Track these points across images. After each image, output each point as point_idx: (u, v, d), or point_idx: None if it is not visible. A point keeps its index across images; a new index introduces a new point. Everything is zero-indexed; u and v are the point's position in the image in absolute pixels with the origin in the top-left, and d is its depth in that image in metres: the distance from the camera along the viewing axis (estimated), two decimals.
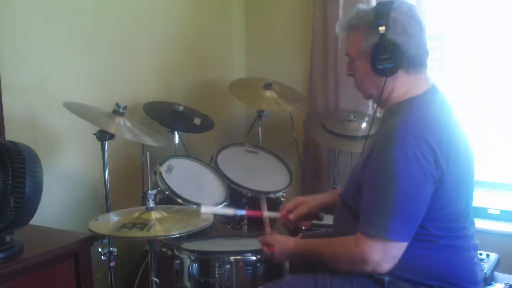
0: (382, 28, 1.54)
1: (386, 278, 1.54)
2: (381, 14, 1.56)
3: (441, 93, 1.66)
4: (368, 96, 1.72)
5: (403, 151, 1.45)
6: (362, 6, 1.65)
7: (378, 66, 1.57)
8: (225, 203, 2.37)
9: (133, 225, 1.73)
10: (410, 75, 1.61)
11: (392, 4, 1.59)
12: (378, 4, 1.63)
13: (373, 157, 1.53)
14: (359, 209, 1.56)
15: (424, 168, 1.45)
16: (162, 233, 1.70)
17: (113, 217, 1.88)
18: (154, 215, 1.80)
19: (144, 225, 1.73)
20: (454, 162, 1.50)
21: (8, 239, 1.82)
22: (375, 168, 1.52)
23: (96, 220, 1.84)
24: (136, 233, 1.69)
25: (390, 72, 1.57)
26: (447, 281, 1.56)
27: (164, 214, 1.83)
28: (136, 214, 1.82)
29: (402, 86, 1.62)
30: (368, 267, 1.51)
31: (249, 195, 2.46)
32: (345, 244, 1.57)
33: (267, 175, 2.65)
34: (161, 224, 1.75)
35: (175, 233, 1.70)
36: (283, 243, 1.74)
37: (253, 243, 2.04)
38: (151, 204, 1.82)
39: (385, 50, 1.55)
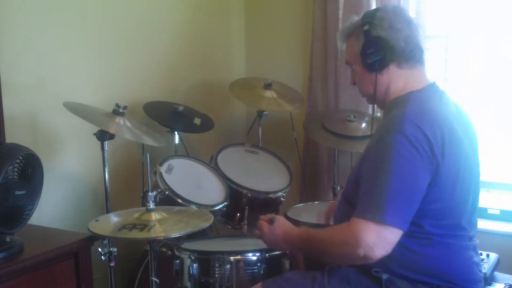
0: (366, 27, 1.64)
1: (384, 276, 1.55)
2: (367, 17, 1.67)
3: (442, 91, 1.69)
4: (370, 99, 1.76)
5: (400, 139, 1.47)
6: (355, 16, 1.75)
7: (367, 61, 1.65)
8: (225, 203, 2.37)
9: (133, 226, 1.73)
10: (403, 69, 1.65)
11: (378, 7, 1.73)
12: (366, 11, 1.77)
13: (371, 149, 1.55)
14: None
15: (422, 155, 1.47)
16: (162, 234, 1.70)
17: (113, 218, 1.88)
18: (154, 216, 1.80)
19: (144, 226, 1.73)
20: (450, 156, 1.51)
21: (8, 239, 1.82)
22: (372, 156, 1.54)
23: (96, 221, 1.84)
24: (136, 234, 1.69)
25: (379, 66, 1.64)
26: (445, 279, 1.56)
27: (164, 215, 1.83)
28: (136, 215, 1.81)
29: (398, 81, 1.66)
30: (361, 251, 1.48)
31: (249, 195, 2.46)
32: (339, 227, 1.58)
33: (267, 175, 2.65)
34: (161, 225, 1.75)
35: (175, 234, 1.70)
36: (284, 223, 1.74)
37: (253, 243, 2.04)
38: (151, 205, 1.82)
39: (371, 45, 1.64)
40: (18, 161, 1.78)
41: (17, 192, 1.77)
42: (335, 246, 1.56)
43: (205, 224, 1.79)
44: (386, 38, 1.62)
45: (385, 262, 1.54)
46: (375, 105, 1.81)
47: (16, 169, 1.77)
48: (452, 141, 1.53)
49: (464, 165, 1.58)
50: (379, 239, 1.48)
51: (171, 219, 1.82)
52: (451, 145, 1.52)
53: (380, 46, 1.62)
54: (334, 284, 1.59)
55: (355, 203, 1.59)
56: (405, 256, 1.54)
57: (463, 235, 1.60)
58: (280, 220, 1.74)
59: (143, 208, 1.85)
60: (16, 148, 1.79)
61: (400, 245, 1.53)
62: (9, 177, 1.74)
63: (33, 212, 1.88)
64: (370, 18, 1.65)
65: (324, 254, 1.61)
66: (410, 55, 1.64)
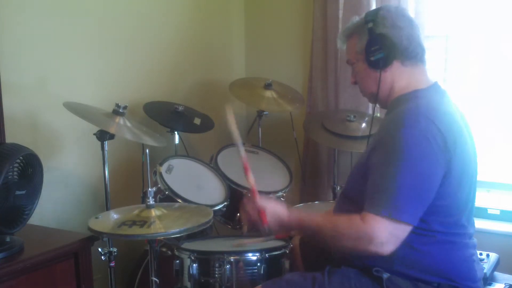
0: (370, 24, 1.66)
1: (385, 276, 1.55)
2: (370, 15, 1.69)
3: (444, 91, 1.70)
4: (372, 98, 1.75)
5: (414, 134, 1.48)
6: (356, 17, 1.76)
7: (371, 59, 1.66)
8: (225, 203, 2.37)
9: (133, 222, 1.73)
10: (407, 67, 1.67)
11: (380, 7, 1.74)
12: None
13: (380, 143, 1.54)
14: None
15: (435, 151, 1.48)
16: (162, 230, 1.69)
17: (113, 215, 1.88)
18: (154, 212, 1.80)
19: (144, 222, 1.73)
20: (459, 153, 1.52)
21: (8, 239, 1.82)
22: (383, 152, 1.52)
23: (96, 218, 1.83)
24: (136, 230, 1.68)
25: (383, 63, 1.65)
26: (445, 277, 1.57)
27: (164, 211, 1.83)
28: (136, 212, 1.82)
29: (401, 79, 1.67)
30: (372, 247, 1.48)
31: (249, 195, 2.45)
32: (350, 221, 1.53)
33: (267, 175, 2.65)
34: (161, 221, 1.75)
35: (175, 230, 1.69)
36: (275, 208, 1.69)
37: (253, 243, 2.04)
38: (151, 201, 1.82)
39: (375, 42, 1.65)
40: (18, 161, 1.78)
41: (17, 192, 1.77)
42: (346, 240, 1.54)
43: (206, 220, 1.78)
44: (388, 35, 1.63)
45: (387, 261, 1.54)
46: (376, 105, 1.81)
47: (16, 169, 1.77)
48: (460, 138, 1.55)
49: (468, 164, 1.59)
50: (392, 236, 1.49)
51: (171, 215, 1.82)
52: (460, 143, 1.53)
53: (383, 43, 1.64)
54: (335, 285, 1.59)
55: (357, 200, 1.59)
56: (408, 254, 1.55)
57: (464, 233, 1.61)
58: (271, 211, 1.68)
59: (143, 205, 1.85)
60: (16, 148, 1.79)
61: (404, 243, 1.53)
62: (9, 177, 1.74)
63: (33, 212, 1.88)
64: (373, 16, 1.67)
65: (330, 242, 1.61)
66: (412, 53, 1.66)
